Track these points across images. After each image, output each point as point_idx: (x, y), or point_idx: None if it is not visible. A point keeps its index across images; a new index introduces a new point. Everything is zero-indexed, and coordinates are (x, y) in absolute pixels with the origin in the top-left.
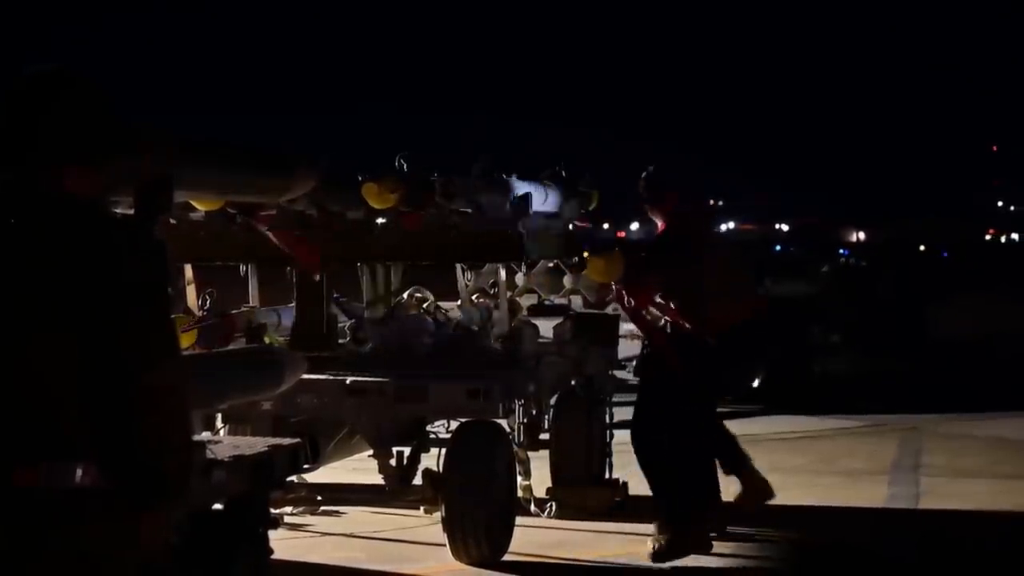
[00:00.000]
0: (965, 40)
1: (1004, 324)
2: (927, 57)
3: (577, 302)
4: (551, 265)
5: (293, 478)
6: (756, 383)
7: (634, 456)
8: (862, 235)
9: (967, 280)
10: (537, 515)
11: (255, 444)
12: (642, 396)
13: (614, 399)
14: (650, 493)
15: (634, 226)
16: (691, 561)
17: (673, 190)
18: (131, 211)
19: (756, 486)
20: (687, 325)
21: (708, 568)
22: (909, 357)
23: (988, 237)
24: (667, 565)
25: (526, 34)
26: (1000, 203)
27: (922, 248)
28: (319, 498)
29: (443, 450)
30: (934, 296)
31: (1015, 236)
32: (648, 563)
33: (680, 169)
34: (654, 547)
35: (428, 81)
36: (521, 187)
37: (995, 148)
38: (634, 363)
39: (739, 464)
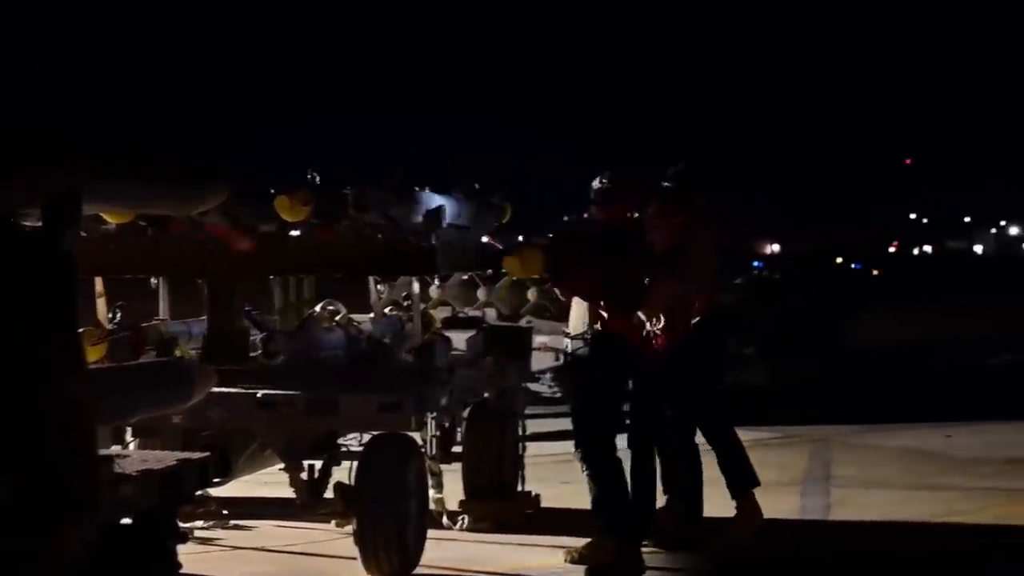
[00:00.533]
0: (879, 55)
1: (915, 335)
2: (842, 70)
3: (491, 315)
4: (465, 278)
5: (203, 492)
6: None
7: (546, 468)
8: (776, 247)
9: (880, 292)
10: (449, 528)
11: (164, 458)
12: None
13: (527, 412)
14: (561, 506)
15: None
16: None
17: (632, 194)
18: (39, 224)
19: (753, 510)
20: (615, 322)
21: None
22: (822, 368)
23: (892, 249)
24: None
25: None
26: (913, 216)
27: (838, 260)
28: (225, 512)
29: (355, 463)
30: (847, 308)
31: (928, 248)
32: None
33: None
34: (570, 558)
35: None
36: (434, 200)
37: (908, 161)
38: (548, 375)
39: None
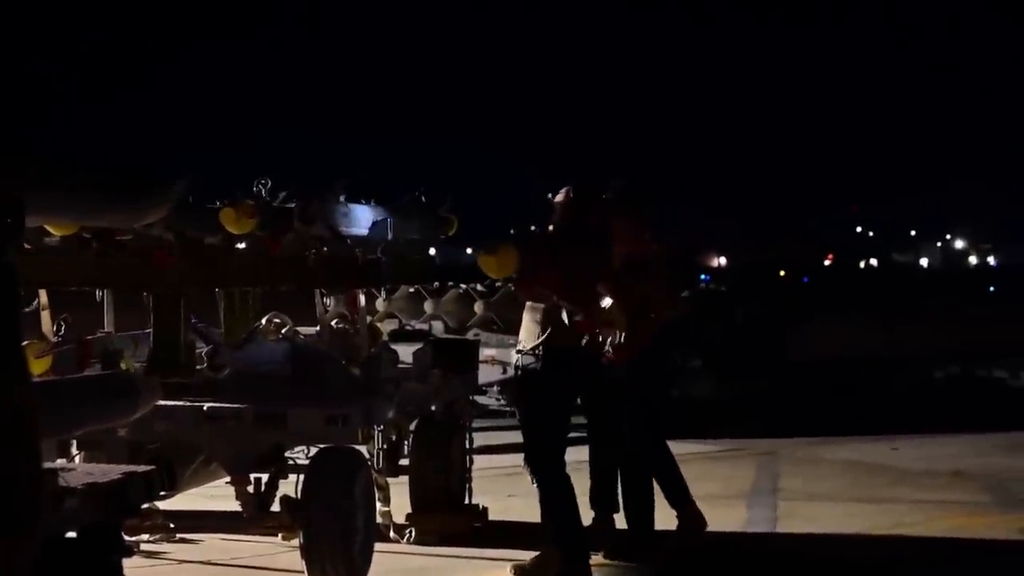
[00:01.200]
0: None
1: (862, 348)
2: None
3: (438, 327)
4: (412, 290)
5: (149, 505)
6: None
7: (493, 481)
8: (723, 260)
9: (827, 305)
10: (396, 541)
11: (109, 471)
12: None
13: (474, 424)
14: (509, 518)
15: None
16: None
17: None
18: None
19: (697, 518)
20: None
21: None
22: (768, 381)
23: (827, 262)
24: None
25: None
26: (859, 228)
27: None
28: (171, 525)
29: (301, 476)
30: (794, 320)
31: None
32: None
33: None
34: (517, 572)
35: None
36: (380, 212)
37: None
38: (496, 388)
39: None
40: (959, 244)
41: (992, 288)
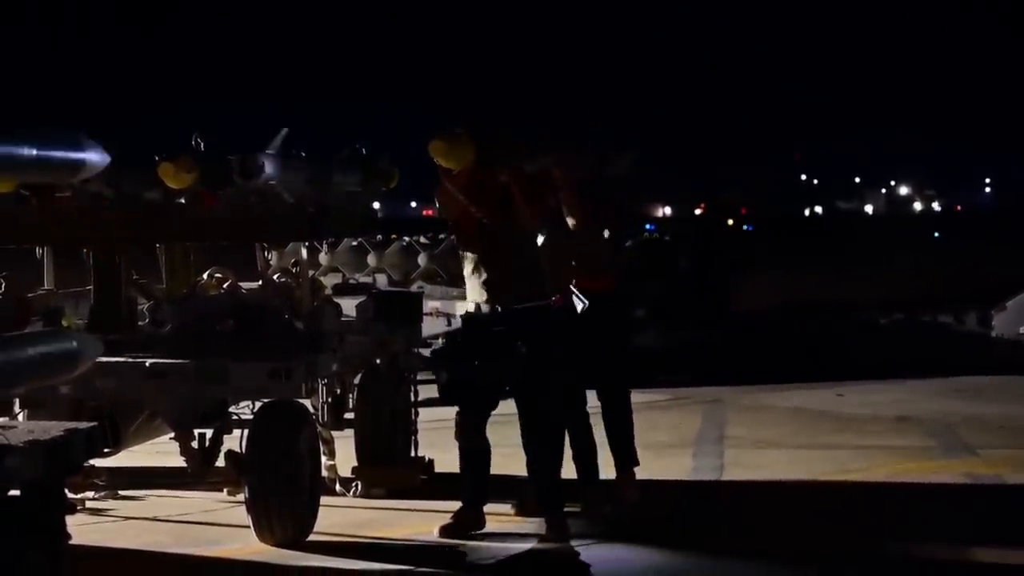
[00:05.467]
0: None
1: (806, 296)
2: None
3: (382, 280)
4: (354, 243)
5: (92, 463)
6: None
7: (438, 434)
8: (668, 210)
9: (771, 253)
10: (343, 494)
11: (50, 429)
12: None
13: (419, 377)
14: (455, 470)
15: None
16: (495, 541)
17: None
18: None
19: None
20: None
21: (518, 546)
22: (713, 330)
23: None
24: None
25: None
26: (804, 176)
27: (730, 223)
28: (101, 482)
29: (246, 431)
30: (737, 269)
31: (818, 209)
32: (452, 540)
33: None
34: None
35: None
36: (318, 165)
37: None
38: (440, 340)
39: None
40: (903, 191)
41: (936, 234)
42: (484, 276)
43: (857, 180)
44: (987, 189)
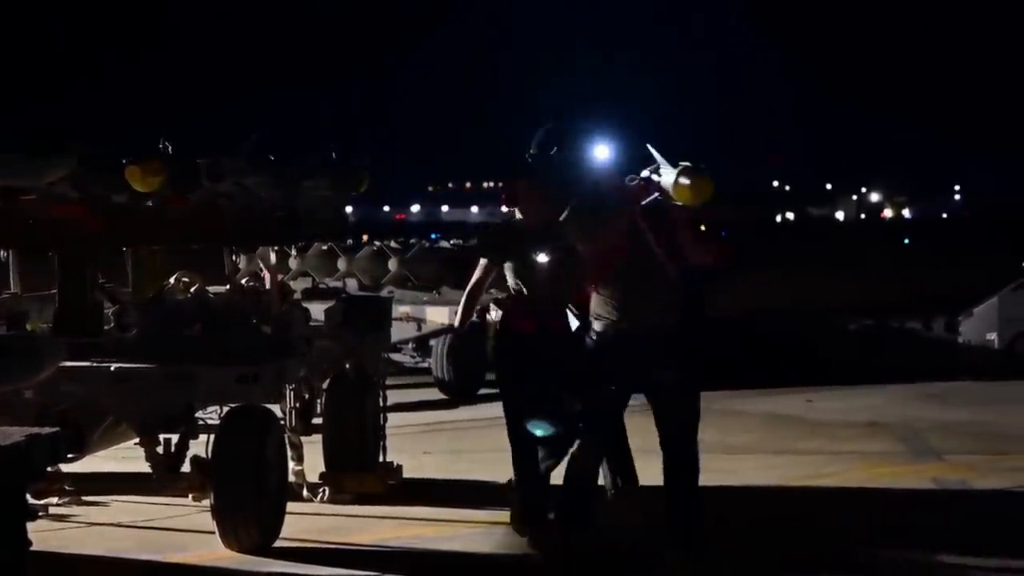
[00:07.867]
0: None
1: (777, 302)
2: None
3: (352, 285)
4: (324, 248)
5: (55, 468)
6: None
7: (407, 439)
8: None
9: (743, 258)
10: (310, 500)
11: (12, 434)
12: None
13: (388, 382)
14: (423, 476)
15: (415, 208)
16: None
17: None
18: None
19: None
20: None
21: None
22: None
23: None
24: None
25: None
26: (776, 183)
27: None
28: (66, 487)
29: (212, 436)
30: (710, 274)
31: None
32: (420, 546)
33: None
34: None
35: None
36: (291, 168)
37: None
38: (410, 345)
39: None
40: (875, 197)
41: (906, 240)
42: (623, 297)
43: (828, 187)
44: (956, 196)
